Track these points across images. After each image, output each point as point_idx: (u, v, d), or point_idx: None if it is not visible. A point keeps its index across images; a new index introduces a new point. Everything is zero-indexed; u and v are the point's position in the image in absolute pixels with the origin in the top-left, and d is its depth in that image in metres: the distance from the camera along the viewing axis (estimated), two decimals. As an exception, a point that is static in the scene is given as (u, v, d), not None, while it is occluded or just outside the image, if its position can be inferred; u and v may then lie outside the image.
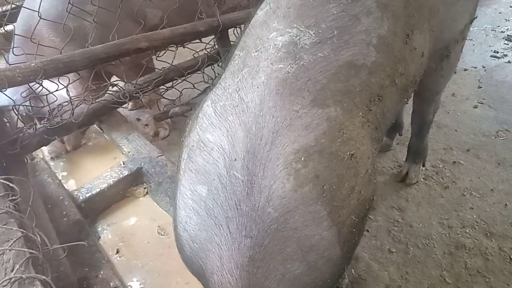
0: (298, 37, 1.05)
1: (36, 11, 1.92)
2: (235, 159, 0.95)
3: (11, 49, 2.05)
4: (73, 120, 2.05)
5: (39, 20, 1.96)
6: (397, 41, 1.19)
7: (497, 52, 3.34)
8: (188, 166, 1.04)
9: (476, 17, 1.76)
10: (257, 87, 1.00)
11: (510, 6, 4.05)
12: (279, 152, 0.94)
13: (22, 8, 2.26)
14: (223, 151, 0.97)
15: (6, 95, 1.86)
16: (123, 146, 2.58)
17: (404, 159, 2.35)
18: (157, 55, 2.26)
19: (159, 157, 2.41)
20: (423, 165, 2.34)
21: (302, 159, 0.94)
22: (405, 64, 1.25)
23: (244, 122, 0.97)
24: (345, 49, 1.07)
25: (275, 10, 1.13)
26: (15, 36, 2.10)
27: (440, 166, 2.40)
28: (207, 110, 1.07)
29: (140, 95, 2.20)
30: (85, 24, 2.18)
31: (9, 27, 3.66)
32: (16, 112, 1.98)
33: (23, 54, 2.01)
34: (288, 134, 0.95)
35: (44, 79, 1.81)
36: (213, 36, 2.45)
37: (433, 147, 2.52)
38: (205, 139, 1.02)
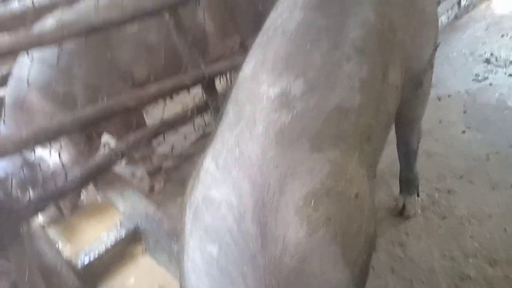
0: (288, 87, 1.10)
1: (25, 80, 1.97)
2: (245, 212, 0.95)
3: (1, 120, 2.08)
4: (66, 186, 2.05)
5: (28, 89, 2.00)
6: (376, 82, 1.26)
7: (478, 76, 3.42)
8: (195, 226, 1.03)
9: (439, 44, 1.84)
10: (257, 139, 1.03)
11: (485, 30, 4.18)
12: (288, 199, 0.95)
13: (10, 77, 2.31)
14: (231, 206, 0.97)
15: (-2, 167, 1.88)
16: (118, 205, 2.57)
17: (399, 192, 2.36)
18: (146, 111, 2.30)
19: (156, 212, 2.41)
20: (418, 195, 2.35)
21: (312, 203, 0.95)
22: (385, 102, 1.33)
23: (248, 174, 0.99)
24: (332, 94, 1.13)
25: (262, 64, 1.19)
26: (6, 106, 2.13)
27: (436, 195, 2.40)
28: (209, 166, 1.08)
29: (132, 153, 2.22)
30: (74, 87, 2.22)
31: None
32: (10, 182, 1.98)
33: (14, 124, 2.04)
34: (294, 181, 0.97)
35: (35, 146, 1.84)
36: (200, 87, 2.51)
37: (426, 176, 2.53)
38: (210, 196, 1.03)
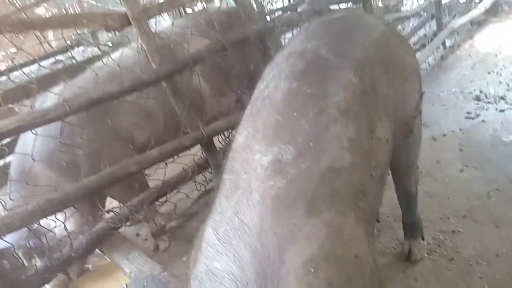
0: (280, 154, 1.13)
1: (29, 154, 2.03)
2: (247, 283, 0.97)
3: (7, 194, 2.12)
4: (72, 254, 2.07)
5: (32, 162, 2.07)
6: (364, 139, 1.31)
7: (470, 113, 3.49)
8: None
9: (424, 92, 1.91)
10: (254, 207, 1.06)
11: (471, 68, 4.32)
12: (289, 268, 0.96)
13: (15, 151, 2.38)
14: (234, 277, 0.99)
15: (6, 241, 1.90)
16: (124, 267, 2.56)
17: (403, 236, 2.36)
18: (148, 175, 2.35)
19: (162, 273, 2.39)
20: (423, 238, 2.34)
21: (312, 270, 0.95)
22: (375, 156, 1.36)
23: (248, 244, 1.01)
24: (323, 156, 1.16)
25: (254, 134, 1.24)
26: (10, 181, 2.19)
27: (441, 237, 2.40)
28: (209, 238, 1.11)
29: (136, 216, 2.25)
30: (77, 156, 2.28)
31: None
32: (16, 254, 2.00)
33: (20, 197, 2.09)
34: (292, 248, 0.98)
35: (41, 219, 1.87)
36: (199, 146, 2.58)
37: (429, 217, 2.53)
38: (213, 268, 1.05)
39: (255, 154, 1.17)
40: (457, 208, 2.58)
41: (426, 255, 2.30)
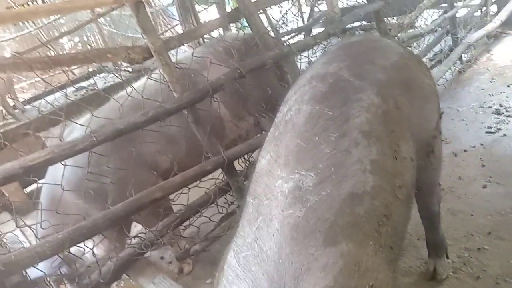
0: (301, 181, 1.15)
1: (59, 184, 2.12)
2: None
3: (38, 224, 2.21)
4: (101, 280, 2.13)
5: (62, 192, 2.15)
6: (388, 160, 1.31)
7: (491, 128, 3.46)
8: None
9: (443, 112, 1.92)
10: (273, 235, 1.08)
11: (490, 81, 4.29)
12: None
13: (45, 180, 2.48)
14: None
15: (38, 269, 1.98)
16: (150, 291, 2.61)
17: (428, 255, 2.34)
18: (172, 200, 2.42)
19: (187, 297, 2.43)
20: (447, 257, 2.32)
21: None
22: (401, 176, 1.35)
23: (266, 272, 1.03)
24: (344, 182, 1.16)
25: (276, 159, 1.26)
26: (41, 210, 2.28)
27: (466, 255, 2.37)
28: (231, 261, 1.15)
29: (161, 241, 2.31)
30: (104, 184, 2.37)
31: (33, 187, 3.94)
32: (48, 283, 2.07)
33: (50, 226, 2.17)
34: (308, 278, 0.99)
35: (71, 247, 1.95)
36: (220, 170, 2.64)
37: (453, 236, 2.51)
38: None
39: (276, 181, 1.19)
40: (482, 225, 2.55)
41: (452, 274, 2.27)
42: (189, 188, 2.42)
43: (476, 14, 5.48)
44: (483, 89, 4.20)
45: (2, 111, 6.69)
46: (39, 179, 2.42)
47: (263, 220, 1.13)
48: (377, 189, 1.20)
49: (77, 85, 7.10)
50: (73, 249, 2.11)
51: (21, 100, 7.52)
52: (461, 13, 5.20)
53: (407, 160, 1.41)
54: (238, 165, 2.87)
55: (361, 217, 1.14)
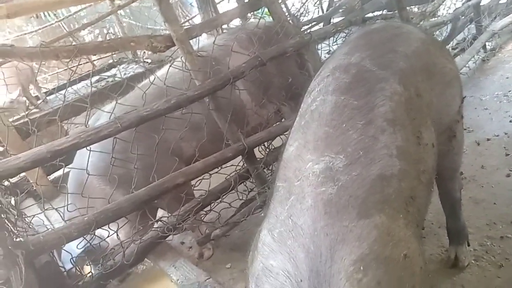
0: (331, 163, 1.20)
1: (85, 169, 2.18)
2: (301, 280, 1.03)
3: (65, 207, 2.27)
4: (125, 262, 2.19)
5: (87, 177, 2.21)
6: (411, 146, 1.36)
7: (515, 117, 3.40)
8: None
9: (465, 97, 1.92)
10: (307, 211, 1.13)
11: (515, 70, 4.20)
12: (339, 266, 1.02)
13: (72, 165, 2.55)
14: (288, 274, 1.06)
15: (65, 250, 2.05)
16: (171, 275, 2.66)
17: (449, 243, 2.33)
18: (193, 185, 2.46)
19: (207, 280, 2.48)
20: (468, 244, 2.30)
21: (361, 268, 1.01)
22: (424, 161, 1.40)
23: (302, 244, 1.08)
24: (373, 165, 1.21)
25: (305, 145, 1.31)
26: (68, 194, 2.35)
27: (488, 243, 2.35)
28: (265, 239, 1.19)
29: (183, 225, 2.35)
30: (130, 170, 2.41)
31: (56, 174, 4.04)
32: (74, 263, 2.14)
33: (76, 209, 2.24)
34: (343, 248, 1.05)
35: (97, 229, 2.01)
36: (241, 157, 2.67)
37: (476, 224, 2.49)
38: (269, 265, 1.12)
39: (307, 163, 1.23)
40: (505, 214, 2.51)
41: (474, 262, 2.26)
42: (210, 174, 2.46)
43: (501, 1, 5.34)
44: (508, 78, 4.10)
45: (25, 101, 6.86)
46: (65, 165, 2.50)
47: (295, 199, 1.18)
48: (403, 173, 1.25)
49: (98, 77, 7.23)
50: (98, 232, 2.18)
51: (43, 91, 7.69)
52: (485, 0, 5.07)
53: (429, 146, 1.45)
54: (258, 153, 2.89)
55: (390, 195, 1.19)
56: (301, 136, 1.35)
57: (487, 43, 4.68)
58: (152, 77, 2.46)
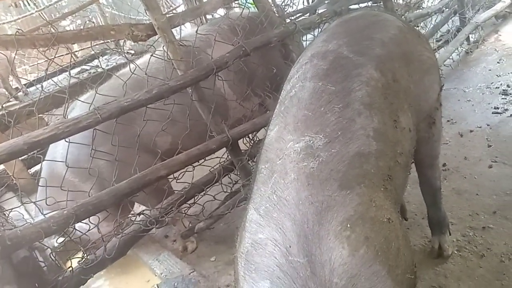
0: (311, 141, 1.24)
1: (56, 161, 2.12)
2: (290, 246, 1.06)
3: (43, 200, 2.21)
4: (106, 256, 2.14)
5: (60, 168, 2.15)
6: (388, 129, 1.40)
7: (498, 108, 3.42)
8: (246, 270, 1.14)
9: (443, 84, 1.94)
10: (290, 183, 1.16)
11: (497, 62, 4.22)
12: (327, 228, 1.07)
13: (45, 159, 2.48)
14: (276, 242, 1.09)
15: (44, 244, 1.99)
16: (155, 268, 2.64)
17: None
18: (176, 178, 2.41)
19: (191, 273, 2.46)
20: (449, 233, 2.32)
21: (348, 226, 1.07)
22: (401, 144, 1.45)
23: (288, 213, 1.11)
24: (351, 143, 1.26)
25: (285, 127, 1.34)
26: (40, 187, 2.28)
27: (470, 234, 2.37)
28: (251, 217, 1.21)
29: (166, 218, 2.31)
30: (99, 164, 2.34)
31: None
32: (53, 258, 2.09)
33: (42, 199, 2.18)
34: (329, 213, 1.09)
35: (76, 223, 1.95)
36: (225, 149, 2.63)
37: (458, 215, 2.50)
38: (257, 239, 1.14)
39: (287, 143, 1.26)
40: (487, 204, 2.54)
41: (456, 252, 2.27)
42: (194, 167, 2.42)
43: (485, -6, 5.38)
44: (490, 70, 4.14)
45: (5, 93, 6.68)
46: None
47: (278, 176, 1.21)
48: (380, 152, 1.31)
49: (79, 68, 7.07)
50: (78, 226, 2.13)
51: (24, 82, 7.50)
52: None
53: (406, 130, 1.50)
54: (243, 145, 2.86)
55: (369, 170, 1.24)
56: (281, 120, 1.37)
57: (470, 35, 4.71)
58: (130, 67, 2.39)
